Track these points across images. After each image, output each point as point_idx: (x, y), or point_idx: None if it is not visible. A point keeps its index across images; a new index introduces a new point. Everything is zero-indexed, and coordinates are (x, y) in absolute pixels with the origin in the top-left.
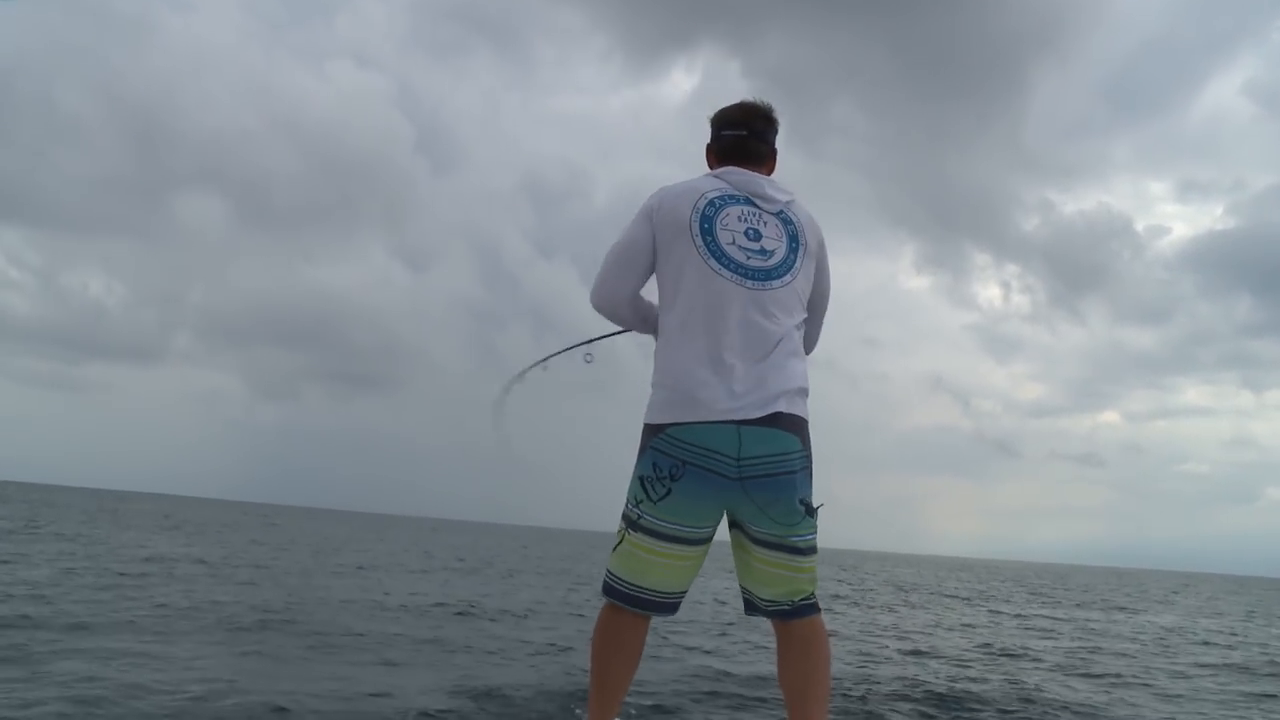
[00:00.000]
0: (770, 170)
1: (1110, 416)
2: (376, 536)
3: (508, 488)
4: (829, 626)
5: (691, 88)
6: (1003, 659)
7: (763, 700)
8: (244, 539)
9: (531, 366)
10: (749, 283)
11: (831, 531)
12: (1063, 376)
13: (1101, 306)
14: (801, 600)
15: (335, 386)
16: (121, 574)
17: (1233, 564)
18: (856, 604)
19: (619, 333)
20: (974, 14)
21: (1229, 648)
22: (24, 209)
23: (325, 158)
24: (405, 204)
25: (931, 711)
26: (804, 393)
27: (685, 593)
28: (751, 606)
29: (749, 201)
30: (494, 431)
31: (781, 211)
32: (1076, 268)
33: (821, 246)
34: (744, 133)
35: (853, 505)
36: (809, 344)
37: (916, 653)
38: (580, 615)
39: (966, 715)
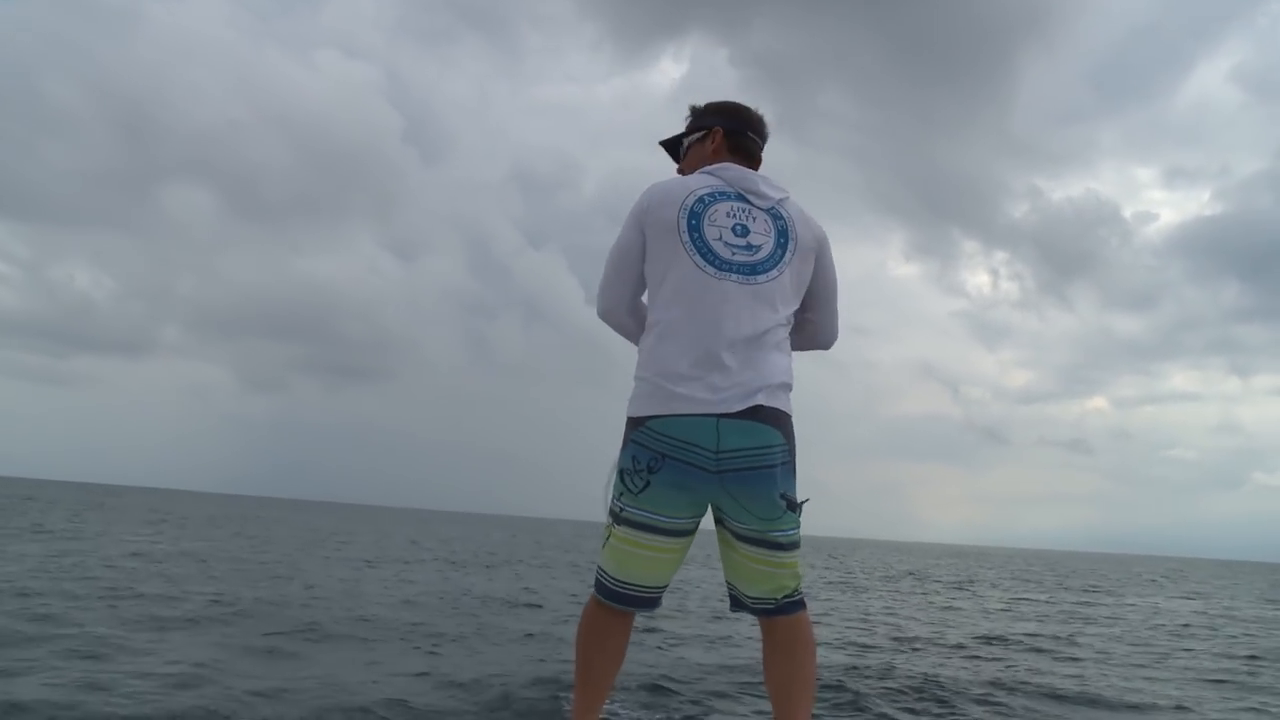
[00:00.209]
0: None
1: (1098, 403)
2: (365, 528)
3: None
4: (820, 614)
5: (680, 75)
6: (987, 645)
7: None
8: (229, 532)
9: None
10: (734, 277)
11: (820, 519)
12: (1051, 363)
13: (1090, 293)
14: (785, 597)
15: (325, 378)
16: (108, 567)
17: (1220, 549)
18: (844, 590)
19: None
20: (960, 1)
21: (1210, 629)
22: (10, 202)
23: (314, 148)
24: (394, 194)
25: (916, 702)
26: (786, 387)
27: (665, 587)
28: (737, 603)
29: (740, 198)
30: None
31: (773, 208)
32: (1065, 254)
33: (820, 243)
34: (751, 135)
35: (842, 493)
36: (828, 334)
37: (902, 639)
38: (573, 600)
39: (951, 703)
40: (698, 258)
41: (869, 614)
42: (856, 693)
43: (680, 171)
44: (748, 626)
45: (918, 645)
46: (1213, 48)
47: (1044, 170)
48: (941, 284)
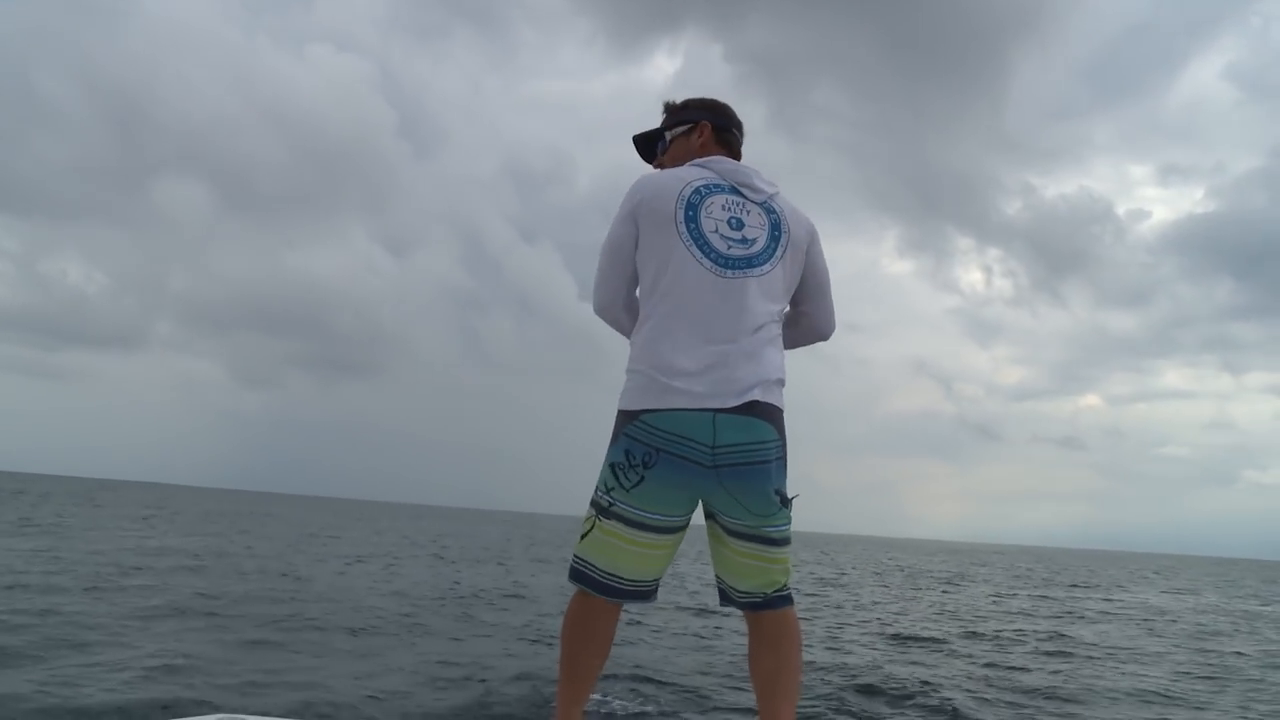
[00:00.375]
0: None
1: (1091, 400)
2: (356, 523)
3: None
4: (808, 609)
5: (674, 71)
6: (975, 642)
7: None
8: (220, 527)
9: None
10: (729, 271)
11: (813, 515)
12: (1044, 360)
13: (1083, 290)
14: (775, 592)
15: (318, 373)
16: (96, 561)
17: (1212, 546)
18: (834, 586)
19: None
20: None
21: (1201, 625)
22: (2, 195)
23: (307, 143)
24: (387, 189)
25: (902, 700)
26: (780, 383)
27: (659, 580)
28: (726, 598)
29: (734, 191)
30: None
31: (765, 202)
32: (1058, 251)
33: (811, 236)
34: (735, 131)
35: (834, 489)
36: (824, 325)
37: (890, 636)
38: (563, 595)
39: (935, 700)
40: (695, 250)
41: (858, 611)
42: (839, 688)
43: (659, 166)
44: (736, 621)
45: (905, 642)
46: (1207, 46)
47: (1037, 167)
48: (935, 281)
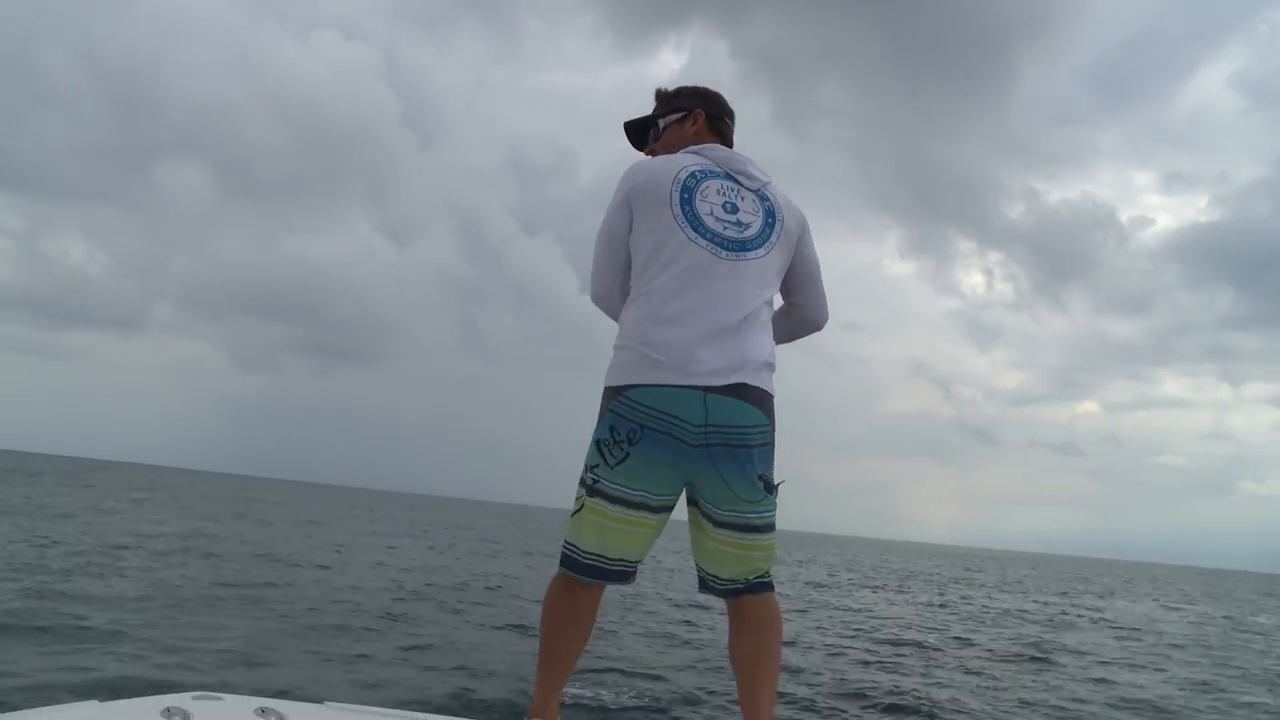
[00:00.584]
0: None
1: (1090, 406)
2: (350, 511)
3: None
4: (798, 612)
5: (680, 66)
6: (960, 649)
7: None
8: (215, 511)
9: None
10: (724, 253)
11: (806, 515)
12: (1044, 365)
13: (1084, 296)
14: (756, 578)
15: (316, 359)
16: (86, 543)
17: (1208, 557)
18: (821, 589)
19: None
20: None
21: (1190, 637)
22: (6, 174)
23: (310, 129)
24: (389, 178)
25: (881, 710)
26: (770, 367)
27: (641, 561)
28: (706, 586)
29: (729, 177)
30: None
31: (760, 190)
32: (1060, 256)
33: (802, 226)
34: (728, 120)
35: (830, 489)
36: (818, 314)
37: (874, 641)
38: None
39: (917, 709)
40: (690, 231)
41: (844, 614)
42: (818, 693)
43: (651, 153)
44: (717, 616)
45: (892, 647)
46: (1214, 53)
47: (1041, 171)
48: (936, 283)
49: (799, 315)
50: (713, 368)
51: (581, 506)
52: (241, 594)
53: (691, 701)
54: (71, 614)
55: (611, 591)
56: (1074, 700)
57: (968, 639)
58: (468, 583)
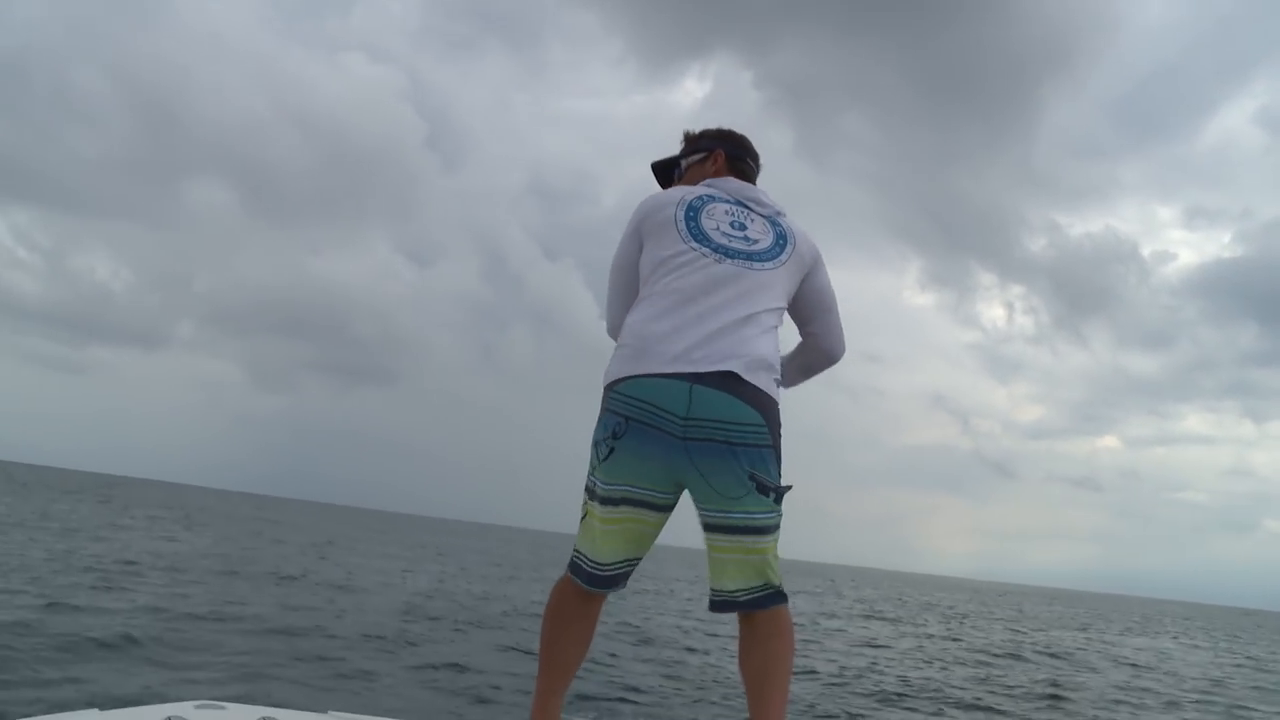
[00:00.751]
0: None
1: (1109, 441)
2: (366, 533)
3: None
4: (808, 639)
5: (704, 95)
6: (973, 686)
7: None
8: (232, 530)
9: None
10: (726, 259)
11: (822, 546)
12: (1063, 399)
13: (1105, 330)
14: (763, 589)
15: (335, 379)
16: (101, 558)
17: (1229, 595)
18: (833, 617)
19: None
20: (988, 33)
21: (1215, 679)
22: (35, 189)
23: (334, 150)
24: (413, 199)
25: None
26: (769, 367)
27: (635, 561)
28: (714, 604)
29: (740, 204)
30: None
31: (772, 216)
32: (1081, 291)
33: (816, 258)
34: (750, 161)
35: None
36: (833, 344)
37: (876, 680)
38: None
39: None
40: (693, 242)
41: (850, 649)
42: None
43: None
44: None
45: (901, 686)
46: (1238, 89)
47: (1064, 205)
48: (957, 315)
49: (813, 345)
50: (698, 355)
51: (585, 512)
52: (251, 611)
53: None
54: (80, 625)
55: (622, 618)
56: None
57: (981, 675)
58: (480, 606)
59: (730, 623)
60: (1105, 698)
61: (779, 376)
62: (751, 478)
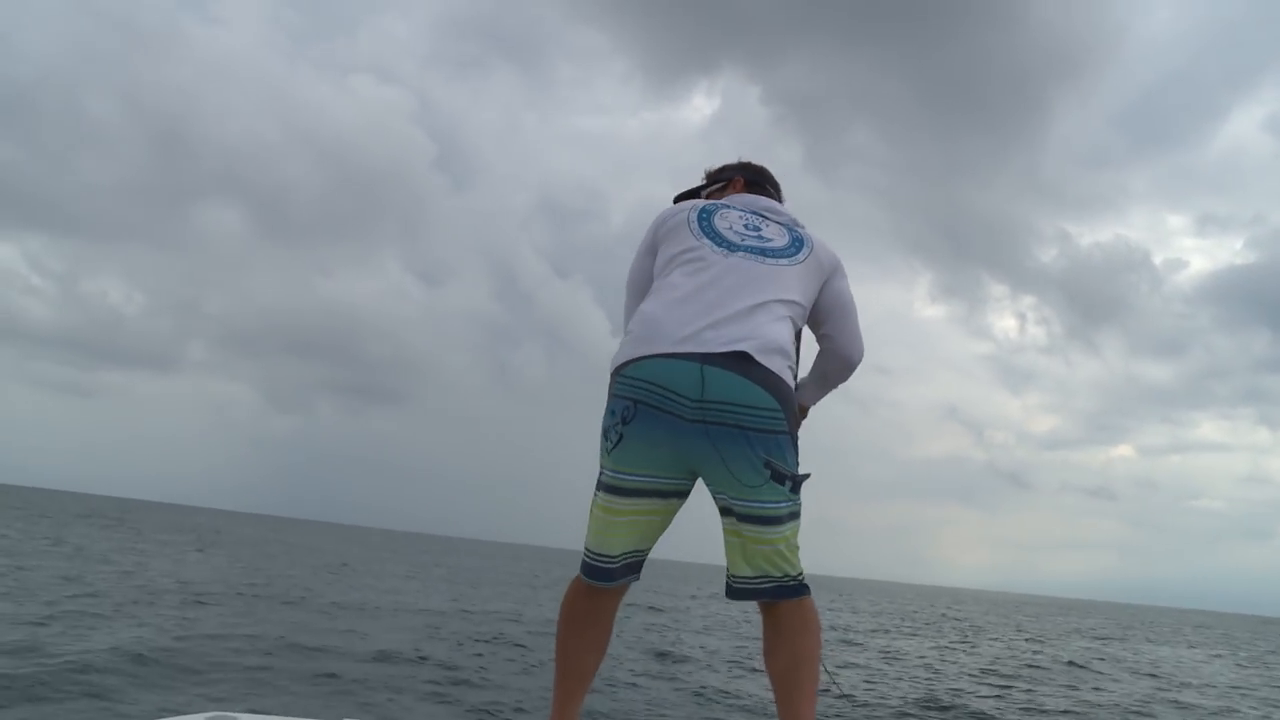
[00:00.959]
0: None
1: (1124, 450)
2: (381, 554)
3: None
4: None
5: (712, 111)
6: (985, 693)
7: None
8: (249, 553)
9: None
10: (740, 253)
11: (836, 559)
12: (1077, 409)
13: (1117, 339)
14: (784, 579)
15: (347, 399)
16: (106, 589)
17: (1246, 603)
18: (849, 630)
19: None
20: (993, 43)
21: (1236, 686)
22: (47, 215)
23: (344, 171)
24: (423, 220)
25: None
26: (783, 353)
27: (640, 554)
28: (731, 590)
29: (754, 213)
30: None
31: (788, 224)
32: (1093, 300)
33: (835, 265)
34: (771, 189)
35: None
36: (851, 350)
37: (898, 696)
38: None
39: None
40: (705, 240)
41: (868, 662)
42: None
43: None
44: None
45: (915, 696)
46: (1248, 95)
47: (1074, 215)
48: (968, 326)
49: (830, 349)
50: (708, 335)
51: (593, 504)
52: (264, 630)
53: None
54: (87, 646)
55: (642, 637)
56: None
57: (1000, 687)
58: (493, 622)
59: (740, 627)
60: (1129, 710)
61: (793, 364)
62: (767, 465)
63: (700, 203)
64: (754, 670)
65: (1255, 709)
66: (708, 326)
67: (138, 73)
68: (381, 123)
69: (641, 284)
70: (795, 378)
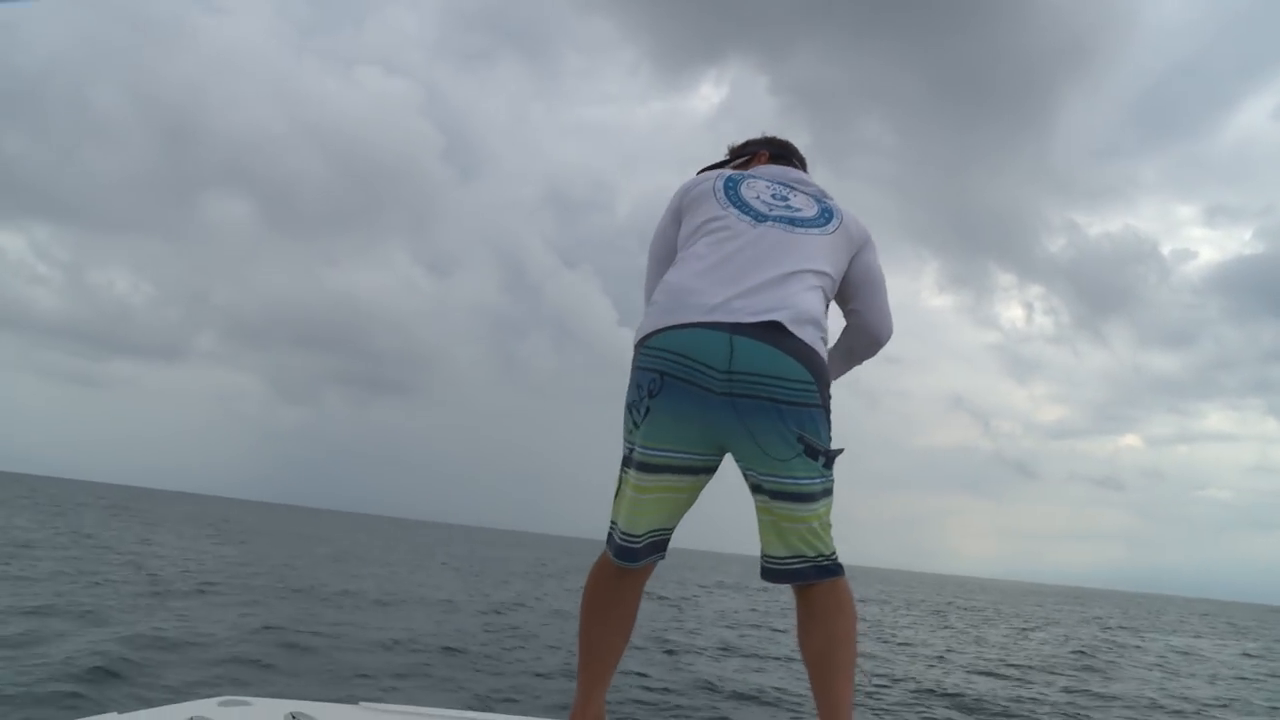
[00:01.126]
0: None
1: (1131, 440)
2: (390, 542)
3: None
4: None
5: (719, 101)
6: (998, 685)
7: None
8: (259, 541)
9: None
10: (767, 221)
11: (844, 549)
12: (1084, 399)
13: (1125, 329)
14: (817, 559)
15: (356, 390)
16: (117, 576)
17: (1254, 592)
18: (862, 619)
19: None
20: (1004, 35)
21: (1244, 675)
22: (54, 205)
23: (352, 163)
24: (431, 211)
25: None
26: (816, 324)
27: (665, 532)
28: (766, 571)
29: (782, 184)
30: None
31: (817, 195)
32: (1101, 290)
33: (865, 238)
34: (797, 162)
35: (867, 522)
36: (879, 326)
37: (904, 684)
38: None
39: None
40: (732, 209)
41: (880, 653)
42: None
43: None
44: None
45: (915, 682)
46: (1259, 86)
47: (1082, 205)
48: (975, 316)
49: (857, 324)
50: (738, 305)
51: (621, 482)
52: (275, 617)
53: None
54: (104, 635)
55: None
56: None
57: (1012, 677)
58: (504, 612)
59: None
60: (1136, 699)
61: (825, 336)
62: (800, 439)
63: (726, 172)
64: (758, 658)
65: (1264, 699)
66: (737, 295)
67: (145, 64)
68: (389, 114)
69: (665, 255)
70: (827, 350)
